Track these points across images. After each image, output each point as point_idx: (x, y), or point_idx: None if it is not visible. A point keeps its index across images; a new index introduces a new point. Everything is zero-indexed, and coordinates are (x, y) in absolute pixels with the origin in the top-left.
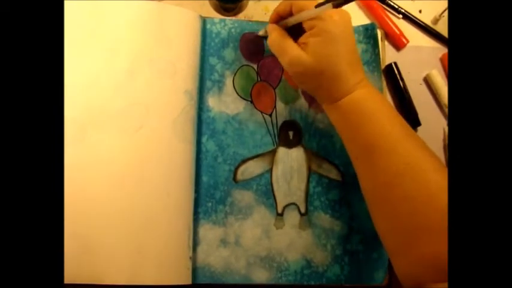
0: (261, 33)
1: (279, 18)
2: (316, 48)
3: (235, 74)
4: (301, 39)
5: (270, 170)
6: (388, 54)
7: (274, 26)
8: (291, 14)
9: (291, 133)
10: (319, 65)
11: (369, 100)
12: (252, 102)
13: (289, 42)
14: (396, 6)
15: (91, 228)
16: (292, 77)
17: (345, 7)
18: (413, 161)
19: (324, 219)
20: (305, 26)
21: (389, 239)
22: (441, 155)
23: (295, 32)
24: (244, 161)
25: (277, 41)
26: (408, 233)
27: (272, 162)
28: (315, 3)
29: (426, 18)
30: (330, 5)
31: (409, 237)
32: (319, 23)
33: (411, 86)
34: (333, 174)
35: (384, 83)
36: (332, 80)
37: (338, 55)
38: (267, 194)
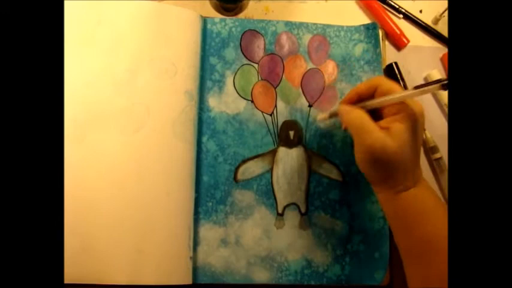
0: (321, 117)
1: (358, 99)
2: (402, 135)
3: (235, 74)
4: (383, 123)
5: (271, 170)
6: (389, 54)
7: (351, 106)
8: (371, 97)
9: (291, 133)
10: (401, 152)
11: (429, 197)
12: (252, 102)
13: (373, 123)
14: (397, 6)
15: (91, 228)
16: (360, 162)
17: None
18: None
19: (324, 219)
20: (387, 110)
21: None
22: (444, 155)
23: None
24: (244, 161)
25: (360, 119)
26: None
27: (272, 162)
28: (399, 87)
29: (427, 18)
30: (434, 86)
31: None
32: (407, 109)
33: (411, 86)
34: (334, 174)
35: None
36: (403, 170)
37: (417, 146)
38: (268, 194)
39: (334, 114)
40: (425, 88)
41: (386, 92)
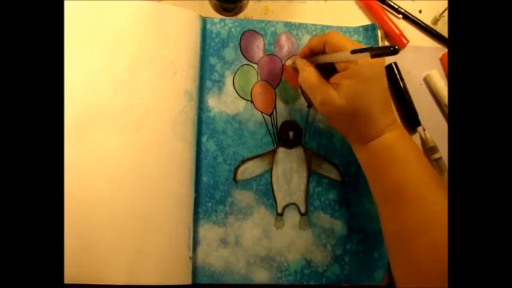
0: (288, 63)
1: (311, 53)
2: (350, 90)
3: (235, 74)
4: (333, 79)
5: (270, 170)
6: None
7: (305, 62)
8: (323, 51)
9: (291, 133)
10: (352, 106)
11: (399, 143)
12: (252, 102)
13: (322, 81)
14: (396, 7)
15: (91, 228)
16: (324, 116)
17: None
18: (442, 208)
19: (324, 219)
20: (337, 66)
21: (407, 285)
22: (444, 155)
23: (326, 68)
24: (244, 161)
25: (309, 79)
26: (433, 280)
27: (272, 162)
28: (350, 43)
29: (426, 18)
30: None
31: (433, 284)
32: (352, 65)
33: (411, 86)
34: (333, 174)
35: None
36: (363, 122)
37: (370, 97)
38: (267, 194)
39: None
40: (358, 54)
41: (334, 48)
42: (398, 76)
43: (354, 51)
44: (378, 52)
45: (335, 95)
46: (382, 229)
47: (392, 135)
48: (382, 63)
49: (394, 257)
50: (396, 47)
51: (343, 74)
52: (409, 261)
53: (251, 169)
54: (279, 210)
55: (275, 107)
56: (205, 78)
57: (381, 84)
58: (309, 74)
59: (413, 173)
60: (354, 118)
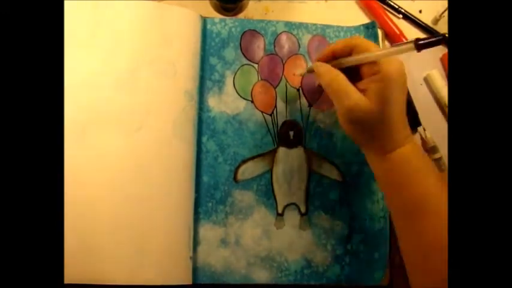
0: (298, 72)
1: (332, 57)
2: (380, 93)
3: (235, 74)
4: (360, 85)
5: (271, 170)
6: None
7: (327, 65)
8: (348, 55)
9: (291, 133)
10: (381, 112)
11: (417, 156)
12: (252, 102)
13: (351, 85)
14: (396, 6)
15: (91, 228)
16: (343, 124)
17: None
18: None
19: (324, 219)
20: (365, 71)
21: None
22: (444, 155)
23: (348, 75)
24: (244, 161)
25: (337, 82)
26: None
27: (272, 162)
28: (377, 47)
29: (426, 18)
30: (408, 46)
31: None
32: (383, 69)
33: (411, 86)
34: (334, 174)
35: None
36: (388, 130)
37: (398, 104)
38: (267, 194)
39: (311, 71)
40: (399, 48)
41: (364, 51)
42: None
43: (394, 45)
44: (425, 42)
45: (366, 99)
46: (400, 244)
47: (411, 146)
48: (405, 72)
49: (413, 269)
50: (446, 35)
51: (372, 78)
52: (429, 276)
53: (251, 169)
54: (279, 210)
55: (275, 106)
56: (206, 78)
57: (405, 93)
58: (336, 77)
59: (433, 187)
60: (380, 125)
